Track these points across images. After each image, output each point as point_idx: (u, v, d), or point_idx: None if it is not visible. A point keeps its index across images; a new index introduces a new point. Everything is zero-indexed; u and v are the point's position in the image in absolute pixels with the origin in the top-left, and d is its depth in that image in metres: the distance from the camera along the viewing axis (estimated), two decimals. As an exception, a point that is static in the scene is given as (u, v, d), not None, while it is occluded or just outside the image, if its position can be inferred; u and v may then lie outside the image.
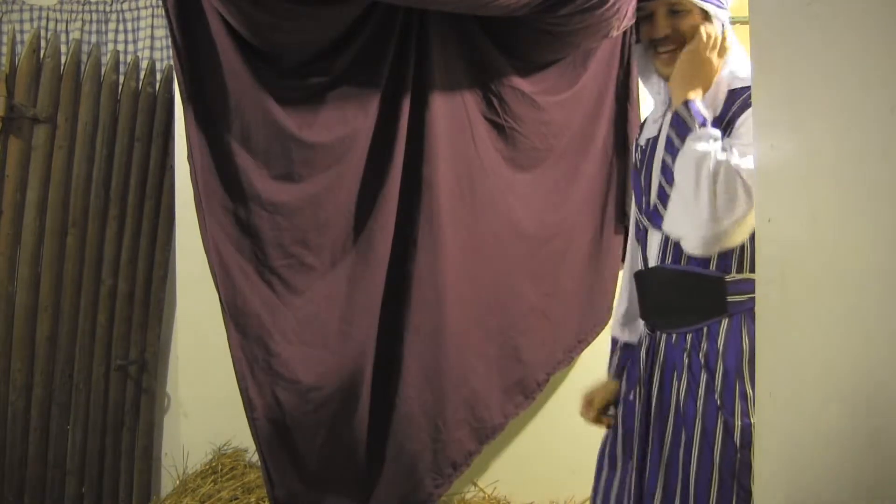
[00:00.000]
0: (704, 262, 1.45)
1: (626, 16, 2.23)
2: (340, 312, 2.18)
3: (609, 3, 2.08)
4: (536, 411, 2.40)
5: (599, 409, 1.69)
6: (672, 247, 1.49)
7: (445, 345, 2.20)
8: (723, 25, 1.52)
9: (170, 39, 2.07)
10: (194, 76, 2.08)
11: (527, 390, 2.33)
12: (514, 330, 2.29)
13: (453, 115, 2.24)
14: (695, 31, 1.49)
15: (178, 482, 2.38)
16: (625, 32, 2.47)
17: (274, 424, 2.13)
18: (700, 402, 1.43)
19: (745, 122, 1.39)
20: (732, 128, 1.44)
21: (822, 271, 0.90)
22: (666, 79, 1.55)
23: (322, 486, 2.18)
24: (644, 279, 1.60)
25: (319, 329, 2.17)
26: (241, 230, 2.13)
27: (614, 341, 1.75)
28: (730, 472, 1.39)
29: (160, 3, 2.06)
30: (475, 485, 2.46)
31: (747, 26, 1.09)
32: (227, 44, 2.05)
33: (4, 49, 2.53)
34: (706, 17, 1.51)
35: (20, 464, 2.49)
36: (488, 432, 2.30)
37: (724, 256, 1.43)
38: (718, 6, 1.52)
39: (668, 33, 1.51)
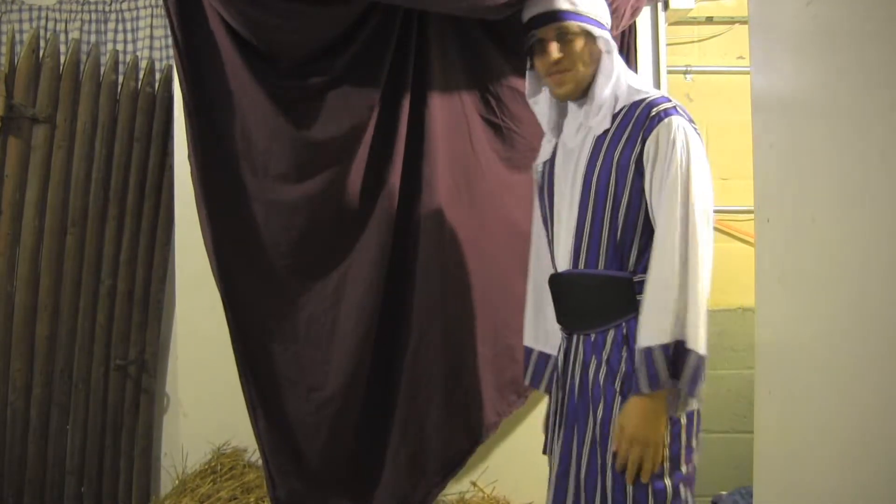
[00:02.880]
0: (616, 264, 1.55)
1: (623, 16, 2.23)
2: (340, 312, 2.18)
3: (607, 3, 2.08)
4: (535, 411, 2.40)
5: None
6: (585, 252, 1.58)
7: (443, 344, 2.20)
8: (607, 42, 1.62)
9: (170, 39, 2.08)
10: (194, 76, 2.08)
11: (520, 389, 2.34)
12: (509, 329, 2.29)
13: (451, 114, 2.25)
14: (583, 52, 1.61)
15: (177, 482, 2.38)
16: (623, 32, 2.47)
17: (276, 424, 2.14)
18: (617, 388, 1.52)
19: (668, 157, 1.49)
20: (648, 153, 1.52)
21: (821, 271, 0.90)
22: (563, 100, 1.68)
23: (323, 486, 2.18)
24: (558, 284, 1.67)
25: (319, 329, 2.17)
26: (241, 230, 2.13)
27: (529, 350, 1.83)
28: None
29: (160, 2, 2.06)
30: (474, 485, 2.46)
31: (747, 26, 1.09)
32: (227, 44, 2.05)
33: (4, 49, 2.52)
34: (591, 38, 1.62)
35: (20, 464, 2.49)
36: (483, 431, 2.30)
37: (636, 259, 1.55)
38: (601, 27, 1.63)
39: (559, 58, 1.61)
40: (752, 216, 1.13)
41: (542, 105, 1.76)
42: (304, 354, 2.16)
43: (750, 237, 2.94)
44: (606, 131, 1.58)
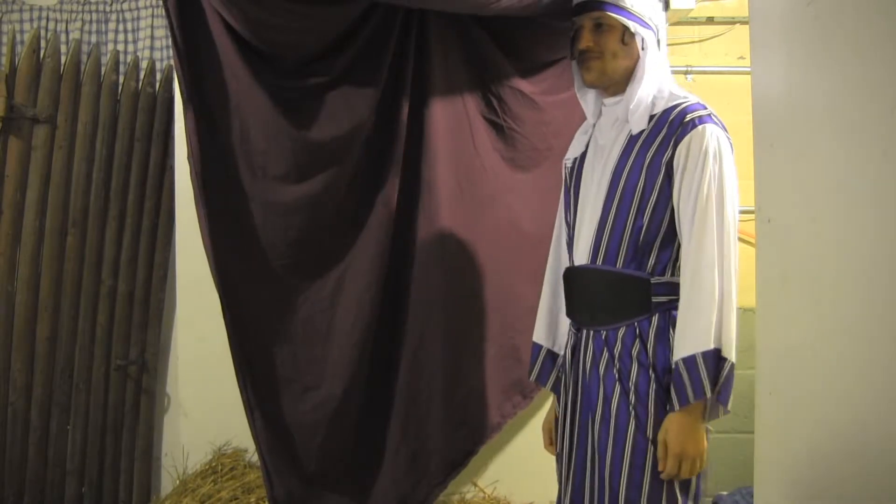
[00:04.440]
0: (635, 264, 1.55)
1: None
2: (339, 312, 2.18)
3: None
4: (536, 411, 2.40)
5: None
6: (605, 248, 1.57)
7: (443, 344, 2.20)
8: (643, 41, 1.59)
9: (170, 39, 2.07)
10: (194, 76, 2.08)
11: (525, 390, 2.34)
12: (513, 330, 2.29)
13: (453, 114, 2.24)
14: (616, 44, 1.59)
15: (177, 482, 2.38)
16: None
17: (273, 424, 2.14)
18: (631, 394, 1.51)
19: (701, 164, 1.51)
20: (679, 158, 1.52)
21: (822, 271, 0.90)
22: (590, 86, 1.66)
23: (321, 486, 2.18)
24: (574, 278, 1.66)
25: (317, 329, 2.17)
26: (241, 230, 2.13)
27: (538, 347, 1.80)
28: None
29: (160, 3, 2.06)
30: (475, 485, 2.46)
31: (748, 26, 1.09)
32: (227, 44, 2.05)
33: (4, 49, 2.52)
34: (630, 33, 1.59)
35: (20, 464, 2.49)
36: (486, 432, 2.30)
37: (655, 261, 1.55)
38: (642, 24, 1.59)
39: (590, 46, 1.60)
40: (752, 216, 1.13)
41: (588, 100, 1.73)
42: (302, 354, 2.16)
43: (750, 237, 2.94)
44: (641, 132, 1.57)
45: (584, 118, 2.50)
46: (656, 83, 1.58)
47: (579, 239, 1.64)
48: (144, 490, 2.70)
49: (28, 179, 2.48)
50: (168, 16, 2.03)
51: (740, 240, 3.02)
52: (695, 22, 2.96)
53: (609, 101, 1.65)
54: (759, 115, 1.06)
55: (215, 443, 2.40)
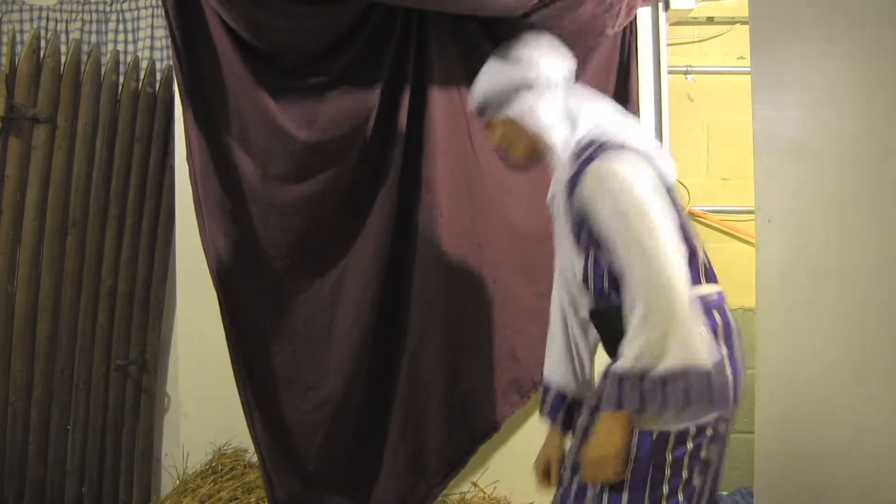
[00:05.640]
0: (615, 296, 1.47)
1: (619, 13, 2.23)
2: (338, 312, 2.18)
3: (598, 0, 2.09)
4: (535, 410, 2.40)
5: (560, 472, 1.64)
6: (591, 292, 1.52)
7: (442, 344, 2.20)
8: (519, 112, 1.59)
9: (170, 40, 2.08)
10: (194, 76, 2.08)
11: (522, 389, 2.34)
12: (510, 329, 2.29)
13: (451, 115, 2.25)
14: (506, 135, 1.63)
15: (178, 482, 2.38)
16: (624, 32, 2.47)
17: (273, 424, 2.14)
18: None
19: (597, 211, 1.41)
20: (582, 205, 1.45)
21: (821, 271, 0.90)
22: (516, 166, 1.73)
23: (321, 486, 2.18)
24: (592, 319, 1.60)
25: (317, 328, 2.17)
26: (240, 230, 2.13)
27: (548, 383, 1.71)
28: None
29: (160, 3, 2.06)
30: (475, 485, 2.46)
31: (748, 26, 1.09)
32: (226, 44, 2.05)
33: (4, 49, 2.52)
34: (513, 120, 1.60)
35: (20, 464, 2.49)
36: (485, 431, 2.30)
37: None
38: (509, 102, 1.60)
39: (494, 146, 1.70)
40: (752, 216, 1.13)
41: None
42: (302, 354, 2.16)
43: (750, 237, 2.94)
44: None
45: None
46: (562, 131, 1.55)
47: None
48: (144, 490, 2.70)
49: (28, 179, 2.48)
50: (167, 16, 2.03)
51: (740, 239, 3.05)
52: (695, 22, 2.97)
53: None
54: (759, 115, 1.06)
55: (215, 443, 2.40)
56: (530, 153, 1.63)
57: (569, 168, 1.50)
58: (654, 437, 1.37)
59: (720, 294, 1.45)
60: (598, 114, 1.56)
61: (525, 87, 1.59)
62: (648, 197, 1.37)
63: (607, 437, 1.39)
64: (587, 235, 1.47)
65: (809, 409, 0.93)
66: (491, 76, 1.64)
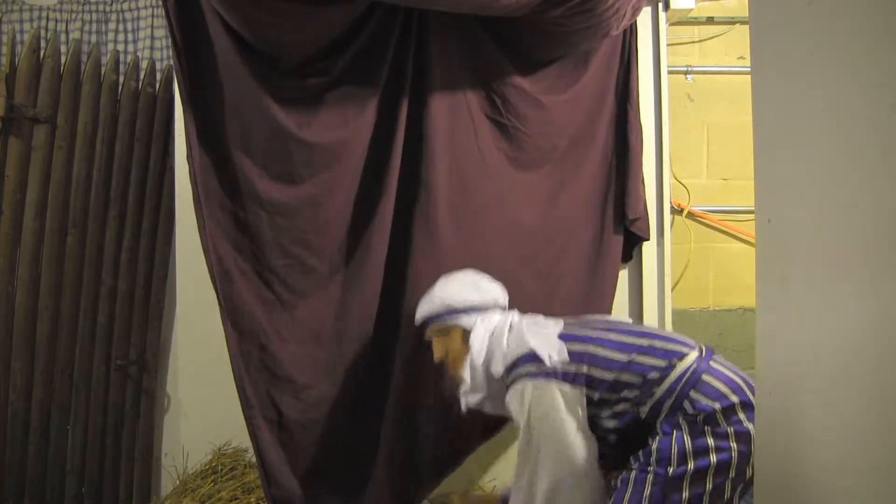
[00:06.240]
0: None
1: (625, 15, 2.23)
2: (337, 312, 2.18)
3: (608, 4, 2.08)
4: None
5: None
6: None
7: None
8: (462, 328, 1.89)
9: (169, 40, 2.07)
10: (194, 76, 2.08)
11: None
12: None
13: (456, 114, 2.24)
14: (450, 349, 1.92)
15: (178, 482, 2.38)
16: (625, 32, 2.47)
17: (270, 423, 2.14)
18: None
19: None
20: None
21: (822, 271, 0.90)
22: (461, 382, 1.90)
23: (317, 485, 2.18)
24: None
25: (316, 329, 2.17)
26: (240, 230, 2.13)
27: None
28: None
29: (160, 3, 2.06)
30: (475, 484, 2.46)
31: (748, 26, 1.09)
32: (226, 44, 2.05)
33: (4, 49, 2.52)
34: (459, 330, 1.89)
35: (20, 464, 2.49)
36: (483, 432, 2.29)
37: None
38: (467, 313, 1.88)
39: (441, 357, 1.94)
40: (752, 216, 1.13)
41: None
42: (300, 354, 2.16)
43: (750, 237, 2.94)
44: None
45: (584, 117, 2.51)
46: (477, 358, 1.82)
47: None
48: (144, 490, 2.70)
49: (28, 179, 2.48)
50: (167, 16, 2.03)
51: (740, 239, 3.05)
52: (695, 22, 2.97)
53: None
54: (759, 115, 1.06)
55: (215, 443, 2.40)
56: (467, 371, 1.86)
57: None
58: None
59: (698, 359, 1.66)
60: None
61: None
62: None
63: None
64: None
65: (809, 409, 0.93)
66: (460, 289, 1.92)
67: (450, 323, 1.89)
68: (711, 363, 1.64)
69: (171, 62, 2.51)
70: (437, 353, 1.93)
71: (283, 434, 2.15)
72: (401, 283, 2.20)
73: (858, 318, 0.84)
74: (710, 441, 1.55)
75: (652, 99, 2.63)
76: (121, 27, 2.84)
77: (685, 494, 1.54)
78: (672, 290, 2.66)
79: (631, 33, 2.51)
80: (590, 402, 1.68)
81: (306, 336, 2.17)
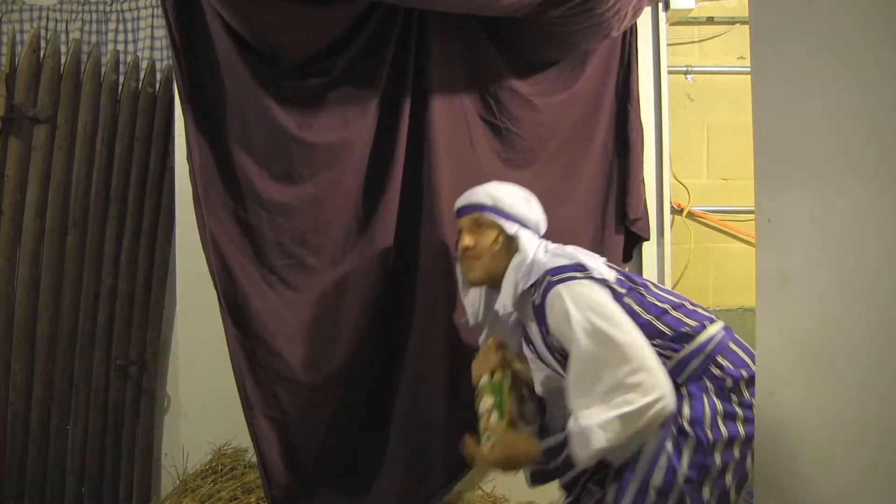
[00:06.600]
0: None
1: (626, 16, 2.23)
2: (340, 312, 2.18)
3: (609, 4, 2.08)
4: (536, 411, 2.40)
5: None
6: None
7: (445, 344, 2.19)
8: (518, 240, 1.78)
9: (168, 40, 2.08)
10: (194, 76, 2.08)
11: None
12: None
13: (452, 115, 2.25)
14: (493, 244, 1.79)
15: (178, 482, 2.38)
16: (625, 33, 2.47)
17: (272, 423, 2.14)
18: None
19: (565, 334, 1.58)
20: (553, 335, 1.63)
21: (822, 271, 0.90)
22: (470, 285, 1.88)
23: (319, 486, 2.18)
24: None
25: (318, 328, 2.17)
26: (241, 230, 2.13)
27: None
28: None
29: (160, 2, 2.06)
30: (475, 484, 2.45)
31: (748, 26, 1.09)
32: (226, 44, 2.05)
33: (4, 49, 2.52)
34: (504, 231, 1.79)
35: (20, 464, 2.49)
36: None
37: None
38: (511, 219, 1.79)
39: (469, 245, 1.81)
40: (752, 216, 1.13)
41: (471, 296, 1.95)
42: (303, 354, 2.16)
43: (750, 237, 2.94)
44: (528, 318, 1.71)
45: (580, 118, 2.52)
46: (520, 275, 1.71)
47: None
48: (144, 490, 2.70)
49: (28, 179, 2.48)
50: (166, 16, 2.03)
51: (740, 239, 3.05)
52: (695, 22, 2.97)
53: (494, 294, 1.84)
54: (759, 115, 1.06)
55: (215, 443, 2.40)
56: (493, 273, 1.79)
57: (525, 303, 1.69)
58: None
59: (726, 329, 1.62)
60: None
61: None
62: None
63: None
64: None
65: (810, 410, 0.93)
66: (510, 195, 1.83)
67: (490, 219, 1.80)
68: (735, 335, 1.66)
69: (171, 62, 2.51)
70: (466, 241, 1.81)
71: (286, 435, 2.15)
72: (405, 282, 2.20)
73: (858, 317, 0.84)
74: (739, 410, 1.54)
75: (652, 99, 2.64)
76: (121, 27, 2.84)
77: (717, 459, 1.53)
78: (672, 289, 2.66)
79: (631, 33, 2.51)
80: None
81: (307, 335, 2.17)
